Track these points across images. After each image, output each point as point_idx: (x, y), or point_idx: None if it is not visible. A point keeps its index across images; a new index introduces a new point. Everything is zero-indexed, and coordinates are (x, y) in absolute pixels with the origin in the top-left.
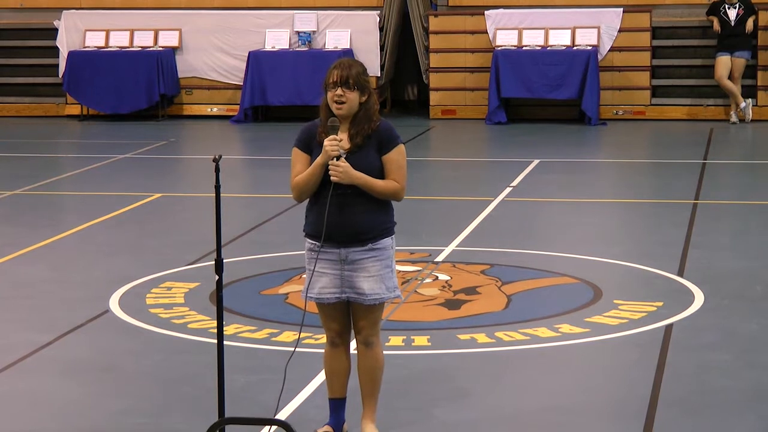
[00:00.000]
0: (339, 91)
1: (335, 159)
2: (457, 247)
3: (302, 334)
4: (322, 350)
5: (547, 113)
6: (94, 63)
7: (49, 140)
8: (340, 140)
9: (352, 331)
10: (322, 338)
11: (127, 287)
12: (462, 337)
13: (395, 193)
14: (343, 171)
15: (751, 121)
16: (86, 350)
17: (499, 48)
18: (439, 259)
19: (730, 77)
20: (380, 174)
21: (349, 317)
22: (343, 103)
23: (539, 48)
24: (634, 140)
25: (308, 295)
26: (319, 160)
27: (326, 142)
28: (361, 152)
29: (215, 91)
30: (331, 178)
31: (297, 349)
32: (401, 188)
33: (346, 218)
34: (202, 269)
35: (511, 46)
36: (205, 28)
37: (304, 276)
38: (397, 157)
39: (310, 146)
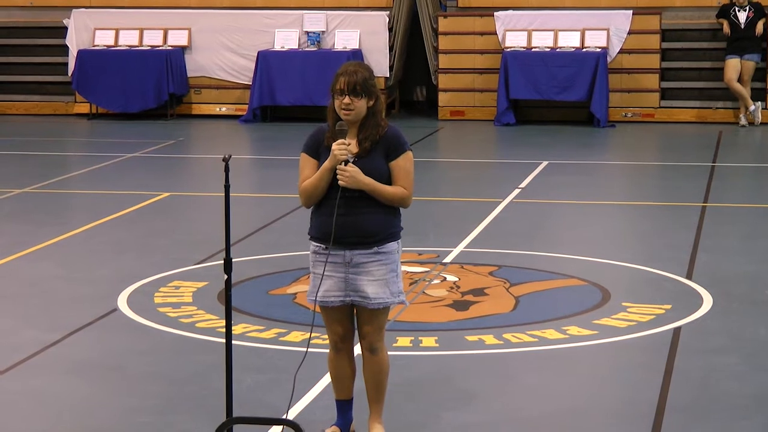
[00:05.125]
0: (347, 100)
1: (343, 163)
2: (465, 248)
3: (310, 334)
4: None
5: (556, 115)
6: (104, 62)
7: (58, 139)
8: (349, 144)
9: (356, 335)
10: None
11: (135, 286)
12: (470, 338)
13: (402, 200)
14: (350, 175)
15: (761, 124)
16: (94, 349)
17: (509, 49)
18: (447, 260)
19: (740, 80)
20: (388, 179)
21: (352, 321)
22: (351, 110)
23: (548, 50)
24: (643, 143)
25: (312, 297)
26: (327, 164)
27: (334, 146)
28: (369, 157)
29: (224, 90)
30: (339, 182)
31: (304, 350)
32: (409, 195)
33: (352, 220)
34: (211, 268)
35: (521, 47)
36: (215, 27)
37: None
38: (404, 163)
39: (318, 151)
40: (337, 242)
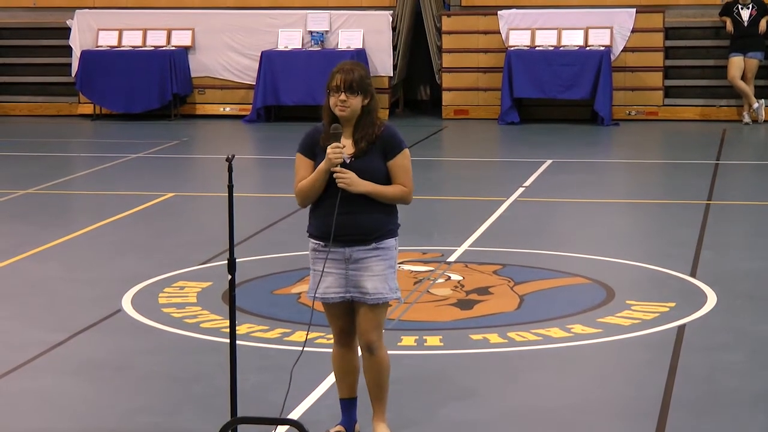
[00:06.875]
0: (342, 97)
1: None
2: (469, 247)
3: (314, 334)
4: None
5: (560, 113)
6: (107, 62)
7: (62, 139)
8: (344, 147)
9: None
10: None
11: (140, 286)
12: (474, 337)
13: (404, 197)
14: (350, 181)
15: (764, 121)
16: (99, 349)
17: (512, 48)
18: (452, 259)
19: (743, 78)
20: (386, 178)
21: (353, 316)
22: (346, 107)
23: (552, 48)
24: (647, 141)
25: (311, 294)
26: (322, 166)
27: (329, 149)
28: (366, 157)
29: (228, 90)
30: (338, 184)
31: (308, 349)
32: (410, 192)
33: (352, 218)
34: (215, 269)
35: (524, 46)
36: (218, 27)
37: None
38: (403, 161)
39: (314, 151)
40: (336, 240)
